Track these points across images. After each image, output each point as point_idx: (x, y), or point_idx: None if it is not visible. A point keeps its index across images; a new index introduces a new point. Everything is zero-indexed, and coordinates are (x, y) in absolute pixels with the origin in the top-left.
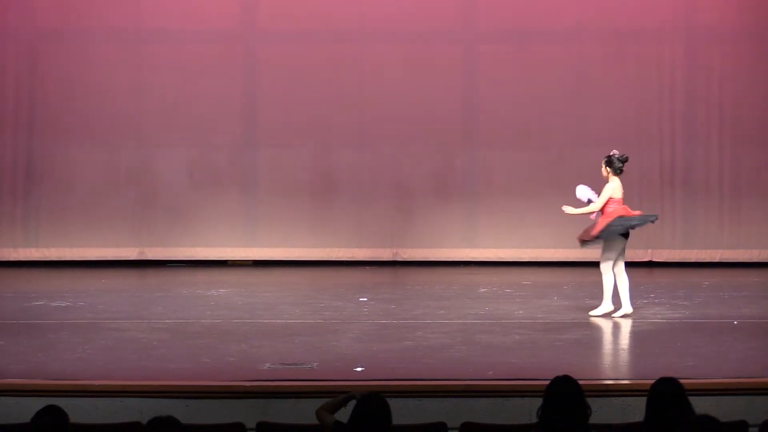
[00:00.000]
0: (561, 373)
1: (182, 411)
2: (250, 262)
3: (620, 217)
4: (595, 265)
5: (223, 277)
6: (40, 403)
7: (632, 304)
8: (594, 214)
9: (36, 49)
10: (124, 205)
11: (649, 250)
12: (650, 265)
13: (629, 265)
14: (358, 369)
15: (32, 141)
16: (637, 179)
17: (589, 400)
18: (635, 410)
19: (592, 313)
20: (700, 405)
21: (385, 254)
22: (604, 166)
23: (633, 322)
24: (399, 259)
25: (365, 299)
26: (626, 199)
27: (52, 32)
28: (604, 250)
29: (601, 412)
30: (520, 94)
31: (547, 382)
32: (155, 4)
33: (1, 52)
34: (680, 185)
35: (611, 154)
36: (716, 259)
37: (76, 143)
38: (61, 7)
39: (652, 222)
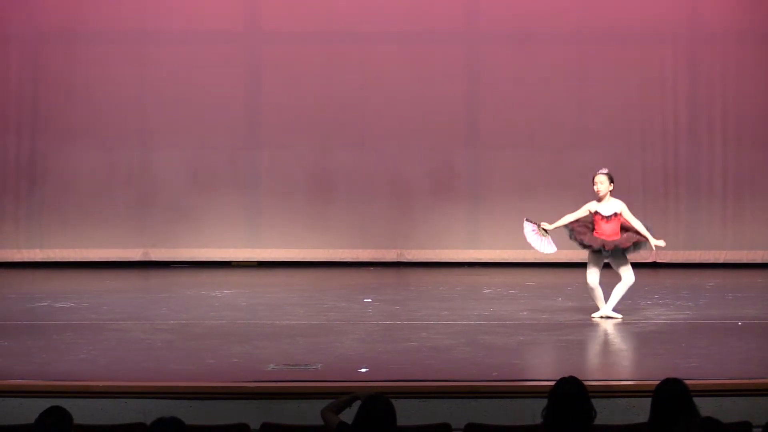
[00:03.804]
0: (565, 374)
1: (186, 412)
2: (254, 263)
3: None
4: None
5: (227, 278)
6: (44, 404)
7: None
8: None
9: (39, 49)
10: (128, 205)
11: (653, 251)
12: (654, 266)
13: (633, 266)
14: (362, 370)
15: (35, 142)
16: (640, 181)
17: (594, 401)
18: (639, 411)
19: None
20: (704, 406)
21: (389, 255)
22: (609, 181)
23: (637, 323)
24: (403, 260)
25: (369, 300)
26: (631, 200)
27: (54, 33)
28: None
29: (605, 412)
30: (522, 95)
31: (552, 383)
32: (157, 5)
33: (3, 52)
34: (684, 186)
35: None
36: (720, 260)
37: (79, 144)
38: (64, 7)
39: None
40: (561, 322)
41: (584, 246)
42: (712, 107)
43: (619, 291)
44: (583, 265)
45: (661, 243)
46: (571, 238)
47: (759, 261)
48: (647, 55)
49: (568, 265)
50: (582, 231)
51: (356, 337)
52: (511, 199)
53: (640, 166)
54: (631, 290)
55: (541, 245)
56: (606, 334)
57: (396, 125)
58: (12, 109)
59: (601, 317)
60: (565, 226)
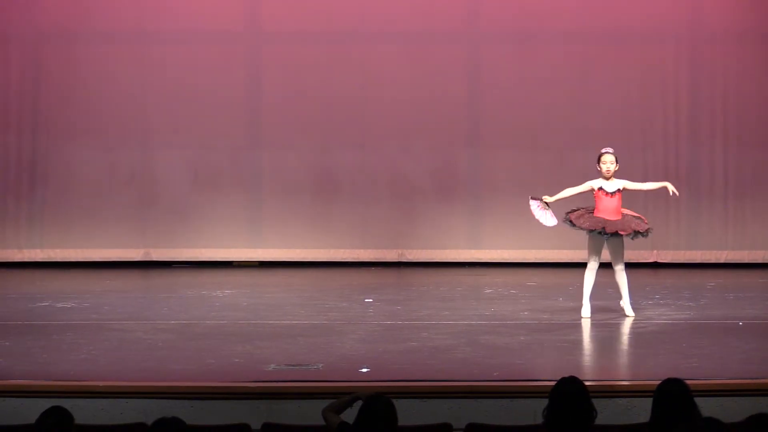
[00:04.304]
0: (566, 374)
1: (187, 412)
2: (255, 263)
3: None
4: (602, 266)
5: (228, 277)
6: (45, 404)
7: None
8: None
9: (39, 49)
10: (129, 205)
11: (654, 251)
12: (655, 266)
13: (634, 266)
14: (364, 370)
15: (36, 142)
16: (641, 181)
17: (595, 401)
18: (640, 411)
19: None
20: (705, 406)
21: (390, 255)
22: (617, 161)
23: (638, 323)
24: (404, 260)
25: (370, 300)
26: (632, 200)
27: (55, 32)
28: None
29: (606, 412)
30: (523, 95)
31: (553, 383)
32: (158, 5)
33: (4, 52)
34: (685, 186)
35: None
36: (721, 260)
37: (80, 144)
38: (64, 8)
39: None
40: (562, 322)
41: (587, 228)
42: (713, 107)
43: (622, 284)
44: (583, 266)
45: (673, 189)
46: (572, 226)
47: (760, 261)
48: (648, 56)
49: (569, 264)
50: (581, 216)
51: (357, 337)
52: (513, 199)
53: (641, 166)
54: (632, 289)
55: (545, 218)
56: (607, 334)
57: (397, 125)
58: (13, 109)
59: (587, 318)
60: (564, 219)
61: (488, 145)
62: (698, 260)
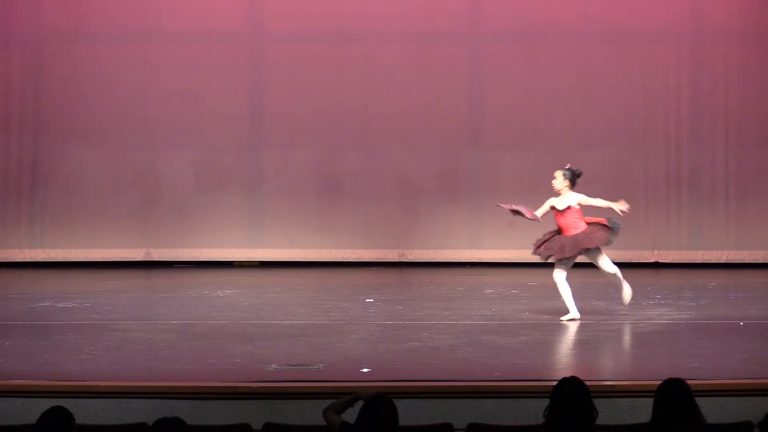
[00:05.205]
0: (567, 374)
1: (188, 412)
2: (256, 263)
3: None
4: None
5: (229, 278)
6: (46, 404)
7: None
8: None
9: (42, 49)
10: (130, 205)
11: (656, 251)
12: (656, 266)
13: (635, 266)
14: (365, 370)
15: (38, 142)
16: (642, 181)
17: (595, 401)
18: (641, 411)
19: (563, 318)
20: (706, 406)
21: (391, 255)
22: (563, 177)
23: (638, 323)
24: (405, 260)
25: (371, 300)
26: (633, 200)
27: (58, 33)
28: (566, 262)
29: (607, 412)
30: (526, 95)
31: (554, 383)
32: (161, 4)
33: (7, 52)
34: (686, 186)
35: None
36: (722, 260)
37: (81, 144)
38: (68, 7)
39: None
40: (563, 322)
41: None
42: (715, 108)
43: (615, 279)
44: (584, 266)
45: (623, 207)
46: (534, 252)
47: (761, 261)
48: (650, 56)
49: None
50: (544, 242)
51: (358, 337)
52: (514, 199)
53: (643, 166)
54: (633, 289)
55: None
56: (607, 334)
57: (399, 126)
58: (15, 109)
59: (570, 320)
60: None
61: (490, 146)
62: (699, 260)
